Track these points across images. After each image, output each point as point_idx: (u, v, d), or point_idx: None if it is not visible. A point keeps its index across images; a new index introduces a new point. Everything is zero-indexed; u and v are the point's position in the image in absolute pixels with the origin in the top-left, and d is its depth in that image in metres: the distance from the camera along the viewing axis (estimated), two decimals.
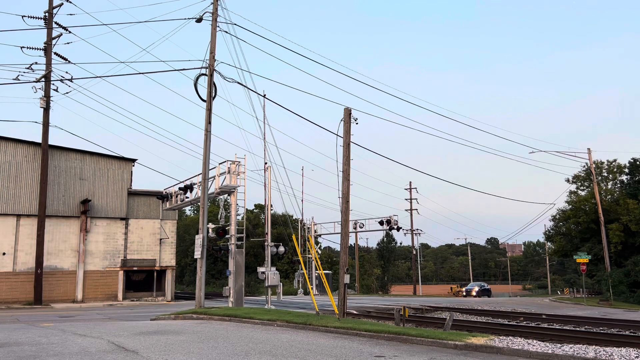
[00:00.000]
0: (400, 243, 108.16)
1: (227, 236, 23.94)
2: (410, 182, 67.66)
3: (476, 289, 63.71)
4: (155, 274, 35.83)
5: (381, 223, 43.19)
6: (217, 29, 23.50)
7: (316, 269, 44.48)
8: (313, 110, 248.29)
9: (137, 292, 35.35)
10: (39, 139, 31.78)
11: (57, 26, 31.90)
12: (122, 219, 34.65)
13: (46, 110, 31.31)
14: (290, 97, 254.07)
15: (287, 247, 40.48)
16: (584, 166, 54.08)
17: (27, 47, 31.07)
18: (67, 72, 40.60)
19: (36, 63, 31.32)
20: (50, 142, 31.95)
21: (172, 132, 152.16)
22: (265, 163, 25.52)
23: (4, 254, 30.88)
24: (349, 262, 19.86)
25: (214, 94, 23.32)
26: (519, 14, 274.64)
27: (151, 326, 15.99)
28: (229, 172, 23.60)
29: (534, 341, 12.22)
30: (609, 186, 55.90)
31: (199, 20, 23.44)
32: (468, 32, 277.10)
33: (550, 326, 20.11)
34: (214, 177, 23.97)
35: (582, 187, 56.74)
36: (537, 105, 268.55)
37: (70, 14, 32.33)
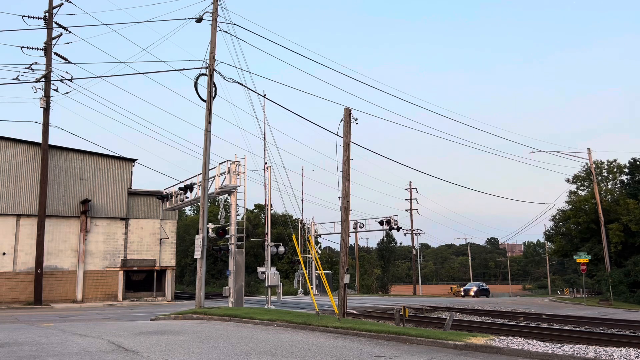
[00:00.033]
0: (400, 243, 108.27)
1: (227, 236, 23.94)
2: (410, 182, 67.75)
3: (474, 289, 63.71)
4: (155, 274, 35.84)
5: (381, 223, 43.19)
6: (217, 29, 23.50)
7: (316, 269, 44.48)
8: (313, 110, 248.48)
9: (137, 292, 35.35)
10: (39, 139, 31.80)
11: (57, 26, 31.91)
12: (122, 219, 34.65)
13: (46, 110, 31.32)
14: (290, 97, 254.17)
15: (287, 247, 40.49)
16: (584, 166, 54.15)
17: (27, 47, 31.09)
18: (67, 72, 40.63)
19: (36, 63, 31.35)
20: (50, 142, 31.98)
21: (172, 132, 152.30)
22: (265, 163, 25.54)
23: (4, 254, 30.89)
24: (349, 262, 19.86)
25: (214, 94, 23.33)
26: (519, 14, 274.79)
27: (151, 326, 15.99)
28: (229, 172, 23.61)
29: (534, 341, 12.22)
30: (609, 186, 55.91)
31: (199, 20, 23.44)
32: (468, 32, 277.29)
33: (550, 326, 20.10)
34: (214, 177, 23.97)
35: (582, 187, 56.76)
36: (537, 105, 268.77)
37: (70, 14, 32.37)
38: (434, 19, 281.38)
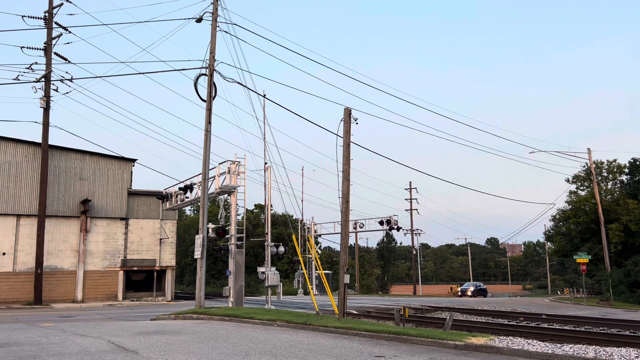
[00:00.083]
0: (400, 243, 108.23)
1: (227, 236, 23.94)
2: (410, 182, 67.74)
3: (471, 288, 63.68)
4: (155, 274, 35.83)
5: (381, 223, 43.19)
6: (217, 29, 23.50)
7: (316, 269, 44.48)
8: (313, 110, 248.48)
9: (137, 292, 35.35)
10: (39, 139, 31.80)
11: (57, 26, 31.92)
12: (122, 219, 34.65)
13: (46, 110, 31.31)
14: (290, 97, 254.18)
15: (287, 247, 40.48)
16: (584, 166, 54.15)
17: (27, 47, 31.09)
18: (67, 72, 40.66)
19: (36, 63, 31.35)
20: (50, 142, 31.98)
21: (172, 132, 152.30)
22: (265, 163, 25.54)
23: (4, 254, 30.89)
24: (349, 262, 19.86)
25: (214, 94, 23.33)
26: (519, 14, 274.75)
27: (151, 326, 15.99)
28: (229, 172, 23.61)
29: (534, 341, 12.23)
30: (609, 186, 55.91)
31: (199, 20, 23.44)
32: (468, 31, 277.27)
33: (550, 326, 20.10)
34: (214, 177, 23.97)
35: (582, 187, 56.77)
36: (537, 105, 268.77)
37: (70, 14, 32.37)
38: (434, 18, 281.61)
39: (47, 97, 31.35)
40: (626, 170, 53.90)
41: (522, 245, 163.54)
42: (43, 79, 31.33)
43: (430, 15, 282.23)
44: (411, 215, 66.96)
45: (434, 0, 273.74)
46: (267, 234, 25.95)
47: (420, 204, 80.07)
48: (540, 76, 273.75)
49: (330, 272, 56.34)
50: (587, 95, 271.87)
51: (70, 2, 32.00)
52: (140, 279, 35.79)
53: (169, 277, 35.85)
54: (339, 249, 27.89)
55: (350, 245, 54.10)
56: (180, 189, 26.98)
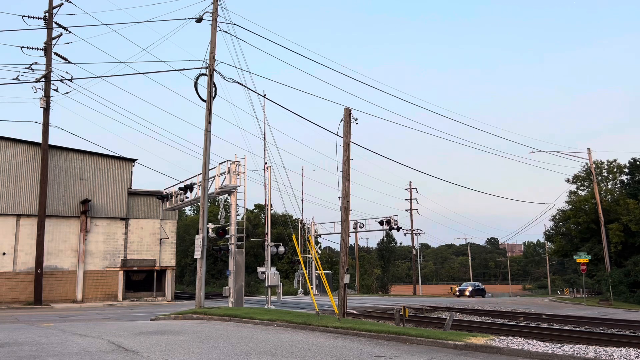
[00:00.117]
0: (400, 243, 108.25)
1: (227, 236, 23.94)
2: (410, 182, 67.76)
3: (469, 288, 63.66)
4: (155, 274, 35.84)
5: (381, 223, 43.19)
6: (217, 29, 23.50)
7: (316, 269, 44.48)
8: (313, 110, 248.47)
9: (137, 292, 35.35)
10: (39, 139, 31.80)
11: (57, 26, 31.91)
12: (122, 219, 34.65)
13: (46, 110, 31.32)
14: (290, 97, 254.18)
15: (287, 247, 40.48)
16: (584, 166, 54.16)
17: (27, 47, 31.09)
18: (67, 72, 40.65)
19: (36, 63, 31.35)
20: (50, 142, 31.98)
21: (172, 132, 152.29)
22: (265, 163, 25.54)
23: (4, 254, 30.89)
24: (349, 262, 19.86)
25: (214, 94, 23.33)
26: (519, 14, 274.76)
27: (151, 326, 15.99)
28: (229, 172, 23.61)
29: (534, 341, 12.23)
30: (609, 186, 55.92)
31: (199, 20, 23.44)
32: (468, 31, 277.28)
33: (550, 326, 20.10)
34: (214, 177, 23.97)
35: (582, 187, 56.78)
36: (537, 105, 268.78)
37: (70, 14, 32.37)
38: (434, 18, 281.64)
39: (47, 97, 31.35)
40: (626, 170, 53.92)
41: (522, 245, 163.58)
42: (43, 79, 31.34)
43: (430, 15, 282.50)
44: (411, 215, 67.00)
45: (434, 0, 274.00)
46: (267, 234, 25.95)
47: (420, 204, 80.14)
48: (540, 76, 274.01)
49: (330, 272, 56.34)
50: (587, 95, 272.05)
51: (70, 2, 32.02)
52: (140, 279, 35.79)
53: (169, 277, 35.85)
54: (339, 249, 27.90)
55: (350, 245, 54.12)
56: (180, 189, 26.98)
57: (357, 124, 20.19)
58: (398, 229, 43.61)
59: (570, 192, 57.18)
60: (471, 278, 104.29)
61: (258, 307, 24.06)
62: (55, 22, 31.91)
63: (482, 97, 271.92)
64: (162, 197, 29.51)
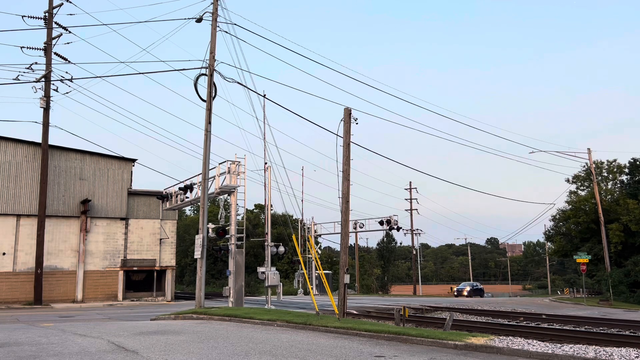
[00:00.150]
0: (400, 243, 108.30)
1: (227, 236, 23.94)
2: (410, 182, 67.77)
3: (467, 288, 63.65)
4: (155, 274, 35.83)
5: (381, 223, 43.19)
6: (217, 29, 23.50)
7: (316, 269, 44.48)
8: (313, 110, 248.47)
9: (137, 292, 35.35)
10: (39, 139, 31.80)
11: (57, 26, 31.92)
12: (122, 219, 34.65)
13: (46, 110, 31.32)
14: (290, 97, 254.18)
15: (287, 247, 40.49)
16: (584, 166, 54.17)
17: (27, 47, 31.09)
18: (67, 72, 40.72)
19: (36, 63, 31.35)
20: (50, 142, 31.97)
21: (172, 132, 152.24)
22: (265, 163, 25.54)
23: (4, 254, 30.89)
24: (349, 262, 19.86)
25: (214, 94, 23.33)
26: (519, 14, 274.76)
27: (151, 326, 15.99)
28: (229, 172, 23.61)
29: (534, 341, 12.23)
30: (609, 186, 55.93)
31: (199, 20, 23.44)
32: (468, 31, 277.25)
33: (550, 326, 20.11)
34: (214, 177, 23.97)
35: (582, 187, 56.79)
36: (538, 105, 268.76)
37: (70, 14, 32.37)
38: (434, 18, 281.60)
39: (47, 97, 31.35)
40: (626, 170, 53.93)
41: (522, 245, 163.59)
42: (43, 79, 31.34)
43: (430, 15, 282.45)
44: (411, 215, 67.01)
45: (434, 0, 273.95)
46: (267, 234, 25.95)
47: (420, 204, 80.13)
48: (540, 76, 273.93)
49: (330, 272, 56.34)
50: (587, 95, 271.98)
51: (70, 2, 32.02)
52: (140, 279, 35.79)
53: (169, 277, 35.85)
54: (339, 249, 27.91)
55: (350, 245, 54.12)
56: (180, 189, 26.98)
57: (357, 124, 20.20)
58: (398, 229, 43.61)
59: (570, 192, 57.23)
60: (471, 278, 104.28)
61: (258, 307, 24.06)
62: (55, 22, 31.92)
63: (482, 97, 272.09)
64: (162, 197, 29.51)
